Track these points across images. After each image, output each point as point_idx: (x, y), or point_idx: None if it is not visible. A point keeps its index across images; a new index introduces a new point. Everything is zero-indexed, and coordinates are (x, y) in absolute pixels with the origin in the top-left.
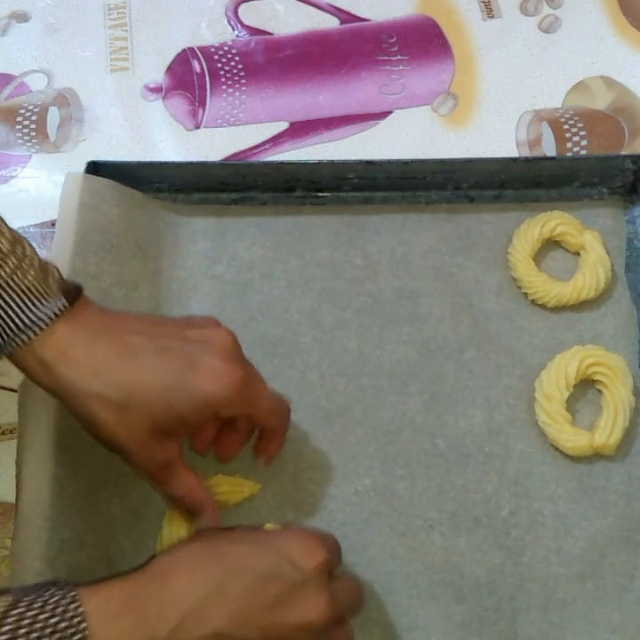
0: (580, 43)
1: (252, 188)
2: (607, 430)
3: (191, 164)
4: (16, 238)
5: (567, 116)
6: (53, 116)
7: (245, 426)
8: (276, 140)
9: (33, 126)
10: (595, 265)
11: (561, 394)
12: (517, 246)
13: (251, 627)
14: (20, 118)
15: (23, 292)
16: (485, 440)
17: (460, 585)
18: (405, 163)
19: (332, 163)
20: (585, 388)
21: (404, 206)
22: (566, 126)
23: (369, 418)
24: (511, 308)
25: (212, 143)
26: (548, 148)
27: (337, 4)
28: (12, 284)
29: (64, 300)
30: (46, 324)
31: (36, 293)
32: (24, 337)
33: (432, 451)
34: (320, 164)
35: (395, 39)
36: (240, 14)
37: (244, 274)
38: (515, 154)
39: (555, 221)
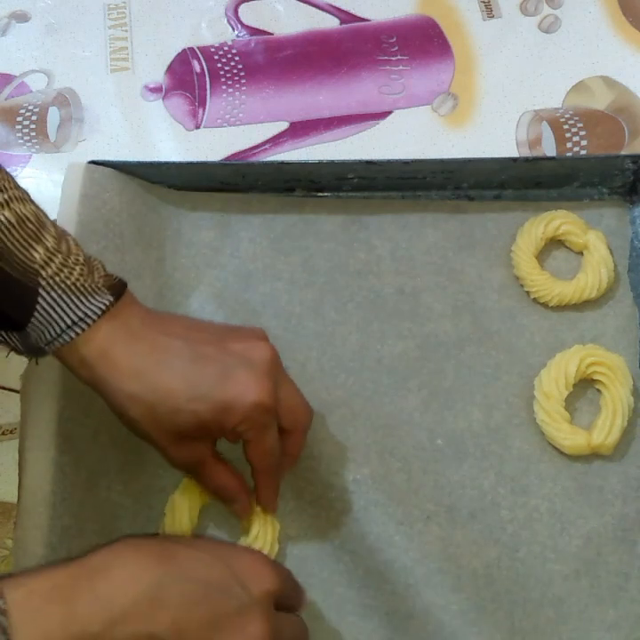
0: (580, 43)
1: (252, 188)
2: (605, 430)
3: (191, 163)
4: (61, 234)
5: (567, 115)
6: (53, 115)
7: None
8: (275, 140)
9: (33, 126)
10: (598, 265)
11: (560, 393)
12: (521, 244)
13: (195, 636)
14: (19, 118)
15: (70, 289)
16: (483, 437)
17: (458, 574)
18: (405, 163)
19: (332, 163)
20: (584, 387)
21: (405, 206)
22: (566, 126)
23: (368, 411)
24: (513, 306)
25: (212, 143)
26: (548, 148)
27: (337, 4)
28: (60, 282)
29: (109, 297)
30: (90, 324)
31: (82, 291)
32: (69, 335)
33: (429, 446)
34: (320, 163)
35: (395, 39)
36: (240, 14)
37: (246, 265)
38: (515, 154)
39: (559, 220)
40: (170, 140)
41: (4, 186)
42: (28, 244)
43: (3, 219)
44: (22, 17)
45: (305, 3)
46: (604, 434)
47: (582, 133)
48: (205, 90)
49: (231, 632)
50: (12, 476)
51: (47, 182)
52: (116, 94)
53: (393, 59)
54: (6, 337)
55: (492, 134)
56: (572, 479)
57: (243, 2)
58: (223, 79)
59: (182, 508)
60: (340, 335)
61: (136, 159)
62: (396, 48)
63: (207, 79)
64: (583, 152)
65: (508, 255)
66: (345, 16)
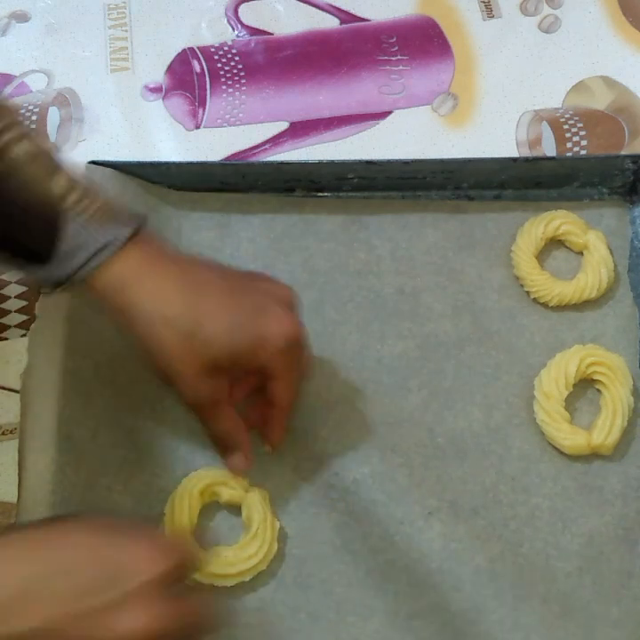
0: (580, 43)
1: (252, 188)
2: (605, 430)
3: (191, 163)
4: (74, 174)
5: (567, 115)
6: (53, 116)
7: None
8: (275, 140)
9: (33, 126)
10: (598, 265)
11: (560, 393)
12: (521, 244)
13: (67, 633)
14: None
15: (94, 216)
16: (483, 437)
17: (459, 573)
18: (405, 163)
19: (332, 163)
20: (584, 387)
21: (405, 206)
22: (566, 126)
23: (368, 410)
24: (513, 306)
25: (212, 143)
26: (548, 148)
27: (337, 4)
28: (82, 211)
29: (134, 224)
30: (118, 248)
31: (107, 217)
32: (100, 259)
33: (430, 444)
34: (320, 163)
35: (395, 39)
36: (240, 14)
37: (247, 265)
38: (515, 154)
39: (559, 220)
40: (170, 139)
41: (18, 120)
42: (47, 174)
43: (20, 152)
44: (22, 17)
45: (305, 3)
46: (604, 434)
47: (582, 133)
48: (205, 90)
49: (107, 627)
50: (12, 476)
51: None
52: (116, 94)
53: (393, 59)
54: (34, 270)
55: (492, 134)
56: (573, 479)
57: (243, 2)
58: (223, 79)
59: (182, 507)
60: (340, 335)
61: (136, 159)
62: (396, 48)
63: (207, 79)
64: (583, 152)
65: (508, 255)
66: (345, 16)
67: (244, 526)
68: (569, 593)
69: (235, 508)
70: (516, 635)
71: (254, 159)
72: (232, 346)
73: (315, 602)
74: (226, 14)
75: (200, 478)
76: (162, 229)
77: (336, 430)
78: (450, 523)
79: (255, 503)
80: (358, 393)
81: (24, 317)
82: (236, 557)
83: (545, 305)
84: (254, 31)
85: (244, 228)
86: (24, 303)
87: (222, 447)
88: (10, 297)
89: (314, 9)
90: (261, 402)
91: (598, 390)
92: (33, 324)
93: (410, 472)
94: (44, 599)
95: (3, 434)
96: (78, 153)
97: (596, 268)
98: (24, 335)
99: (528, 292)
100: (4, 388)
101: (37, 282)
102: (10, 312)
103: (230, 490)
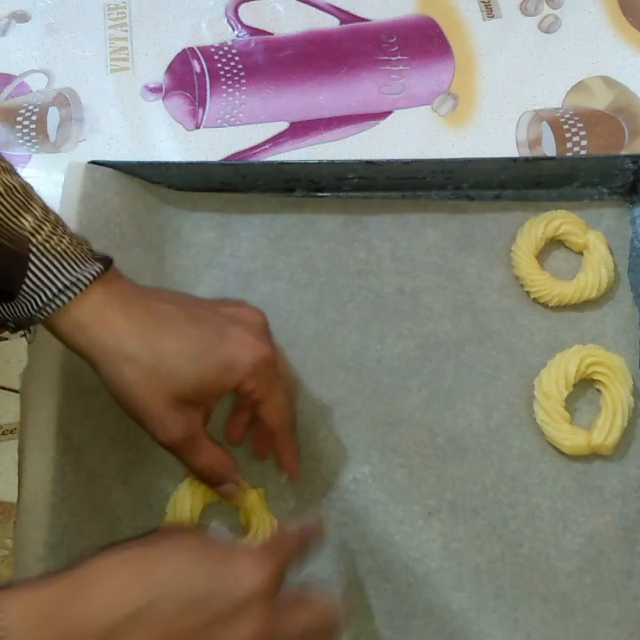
0: (580, 43)
1: (252, 188)
2: (605, 430)
3: (191, 163)
4: (47, 207)
5: (567, 115)
6: (53, 116)
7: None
8: (275, 140)
9: (33, 126)
10: (598, 265)
11: (560, 393)
12: (521, 244)
13: None
14: (19, 118)
15: (61, 255)
16: (483, 437)
17: (459, 572)
18: (405, 163)
19: (332, 163)
20: (584, 387)
21: (405, 206)
22: (566, 126)
23: (368, 409)
24: (513, 306)
25: (212, 143)
26: (548, 148)
27: (337, 4)
28: (50, 248)
29: (99, 265)
30: (84, 287)
31: (73, 257)
32: (62, 299)
33: (431, 443)
34: (320, 163)
35: (395, 39)
36: (240, 14)
37: (247, 265)
38: (515, 154)
39: (559, 220)
40: (170, 139)
41: None
42: (17, 212)
43: None
44: (22, 17)
45: (305, 3)
46: (604, 434)
47: (582, 133)
48: (205, 90)
49: (224, 637)
50: (12, 476)
51: (47, 182)
52: (116, 94)
53: (393, 59)
54: None
55: (492, 134)
56: (573, 479)
57: (243, 2)
58: (223, 79)
59: (184, 507)
60: (340, 335)
61: (136, 159)
62: (396, 48)
63: (207, 79)
64: (583, 152)
65: (508, 255)
66: (345, 16)
67: (242, 527)
68: (569, 593)
69: (235, 509)
70: (516, 635)
71: (254, 159)
72: (197, 375)
73: None
74: (226, 14)
75: None
76: (162, 229)
77: (336, 430)
78: (450, 523)
79: (252, 504)
80: (358, 393)
81: None
82: None
83: (545, 305)
84: (254, 31)
85: (244, 227)
86: None
87: (208, 482)
88: None
89: (314, 9)
90: (262, 433)
91: (598, 390)
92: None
93: (410, 472)
94: (162, 614)
95: (3, 434)
96: (78, 153)
97: (595, 267)
98: (24, 335)
99: (528, 292)
100: (3, 388)
101: (2, 320)
102: None
103: None
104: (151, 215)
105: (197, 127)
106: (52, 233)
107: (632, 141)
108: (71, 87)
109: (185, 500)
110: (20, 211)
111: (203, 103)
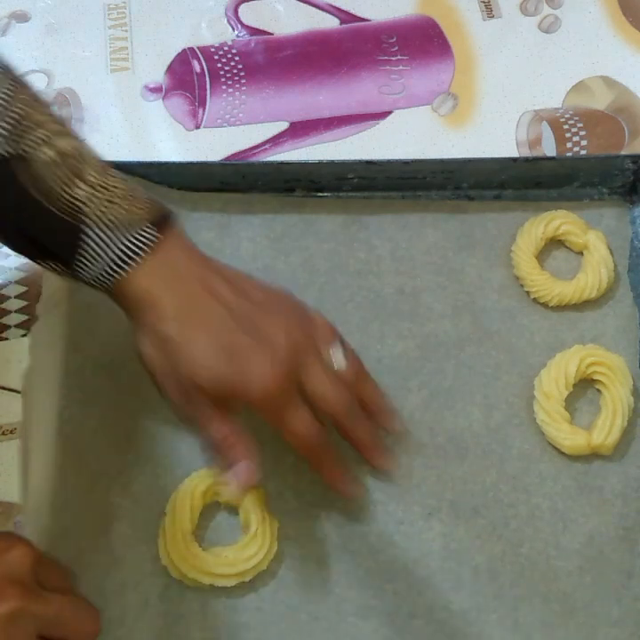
0: (580, 43)
1: (252, 188)
2: (605, 430)
3: (191, 164)
4: (102, 167)
5: (567, 115)
6: None
7: None
8: (275, 140)
9: None
10: (598, 265)
11: (560, 393)
12: (521, 244)
13: None
14: None
15: (113, 224)
16: (484, 437)
17: (459, 572)
18: (405, 163)
19: (332, 163)
20: (584, 387)
21: (405, 206)
22: (566, 126)
23: None
24: (513, 306)
25: (212, 143)
26: (548, 148)
27: (337, 4)
28: (103, 218)
29: (154, 232)
30: (135, 262)
31: (127, 225)
32: (115, 276)
33: (430, 443)
34: (320, 163)
35: (395, 39)
36: (240, 14)
37: (247, 265)
38: (515, 154)
39: (559, 220)
40: (170, 139)
41: (44, 120)
42: (71, 180)
43: (43, 156)
44: (22, 17)
45: (305, 3)
46: (604, 434)
47: (582, 133)
48: (205, 90)
49: None
50: (12, 476)
51: None
52: (116, 94)
53: (393, 59)
54: (55, 267)
55: (492, 134)
56: (573, 479)
57: (243, 2)
58: (223, 79)
59: (183, 508)
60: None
61: (136, 159)
62: (396, 48)
63: (207, 79)
64: (583, 152)
65: (508, 255)
66: (345, 16)
67: (242, 527)
68: (570, 592)
69: (234, 509)
70: (516, 635)
71: (254, 159)
72: (214, 387)
73: (315, 602)
74: (226, 14)
75: (202, 478)
76: None
77: (335, 430)
78: (450, 523)
79: (252, 504)
80: None
81: (24, 317)
82: (236, 558)
83: (545, 305)
84: (254, 31)
85: (244, 228)
86: (24, 303)
87: (220, 455)
88: (10, 297)
89: (314, 9)
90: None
91: (598, 390)
92: (34, 325)
93: (409, 473)
94: None
95: (3, 434)
96: None
97: (595, 267)
98: (24, 335)
99: (528, 292)
100: (3, 388)
101: (57, 272)
102: (10, 312)
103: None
104: None
105: (197, 127)
106: (107, 200)
107: (632, 141)
108: (71, 87)
109: (185, 500)
110: (74, 178)
111: (203, 103)
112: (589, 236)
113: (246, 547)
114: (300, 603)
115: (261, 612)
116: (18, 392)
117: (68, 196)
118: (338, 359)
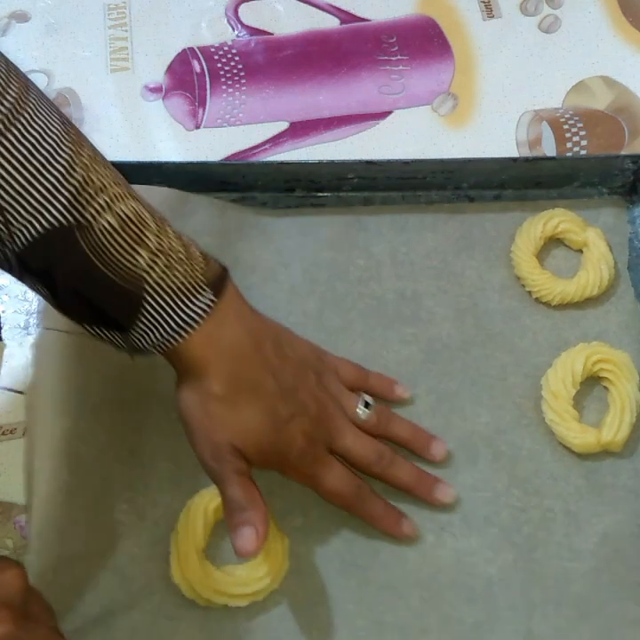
0: (580, 43)
1: (252, 188)
2: (614, 427)
3: (191, 164)
4: (160, 227)
5: (567, 115)
6: None
7: None
8: (275, 140)
9: None
10: (598, 262)
11: (568, 391)
12: (520, 244)
13: None
14: None
15: (174, 292)
16: (493, 439)
17: (472, 586)
18: (405, 163)
19: (332, 163)
20: (591, 384)
21: (405, 206)
22: (566, 126)
23: None
24: (515, 306)
25: (212, 143)
26: (548, 148)
27: (337, 4)
28: (164, 286)
29: (211, 297)
30: (193, 329)
31: (186, 292)
32: (172, 341)
33: None
34: (320, 163)
35: (395, 39)
36: (240, 14)
37: (247, 277)
38: (515, 154)
39: (557, 219)
40: (170, 139)
41: (105, 183)
42: (132, 248)
43: (106, 225)
44: (22, 17)
45: (305, 3)
46: (614, 431)
47: (582, 133)
48: (205, 90)
49: None
50: (11, 476)
51: None
52: (116, 94)
53: (393, 59)
54: (109, 335)
55: (492, 134)
56: (584, 477)
57: (243, 2)
58: (223, 79)
59: (196, 525)
60: (345, 343)
61: (136, 159)
62: (396, 48)
63: (207, 79)
64: (583, 152)
65: (508, 256)
66: (345, 16)
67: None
68: (584, 595)
69: None
70: None
71: (254, 159)
72: (257, 443)
73: (326, 618)
74: (226, 14)
75: (213, 496)
76: None
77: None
78: (462, 536)
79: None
80: None
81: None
82: (249, 577)
83: (547, 304)
84: (254, 31)
85: (243, 237)
86: None
87: (231, 516)
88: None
89: (314, 9)
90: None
91: (605, 387)
92: (38, 337)
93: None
94: None
95: (3, 434)
96: None
97: (596, 264)
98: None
99: (530, 292)
100: (4, 389)
101: (114, 345)
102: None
103: None
104: None
105: (197, 127)
106: (166, 266)
107: (632, 141)
108: (71, 87)
109: (197, 518)
110: (135, 245)
111: (203, 103)
112: (588, 234)
113: (259, 566)
114: (311, 620)
115: (273, 630)
116: (18, 392)
117: (130, 265)
118: (361, 412)
